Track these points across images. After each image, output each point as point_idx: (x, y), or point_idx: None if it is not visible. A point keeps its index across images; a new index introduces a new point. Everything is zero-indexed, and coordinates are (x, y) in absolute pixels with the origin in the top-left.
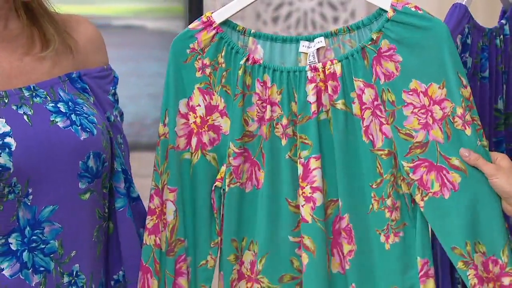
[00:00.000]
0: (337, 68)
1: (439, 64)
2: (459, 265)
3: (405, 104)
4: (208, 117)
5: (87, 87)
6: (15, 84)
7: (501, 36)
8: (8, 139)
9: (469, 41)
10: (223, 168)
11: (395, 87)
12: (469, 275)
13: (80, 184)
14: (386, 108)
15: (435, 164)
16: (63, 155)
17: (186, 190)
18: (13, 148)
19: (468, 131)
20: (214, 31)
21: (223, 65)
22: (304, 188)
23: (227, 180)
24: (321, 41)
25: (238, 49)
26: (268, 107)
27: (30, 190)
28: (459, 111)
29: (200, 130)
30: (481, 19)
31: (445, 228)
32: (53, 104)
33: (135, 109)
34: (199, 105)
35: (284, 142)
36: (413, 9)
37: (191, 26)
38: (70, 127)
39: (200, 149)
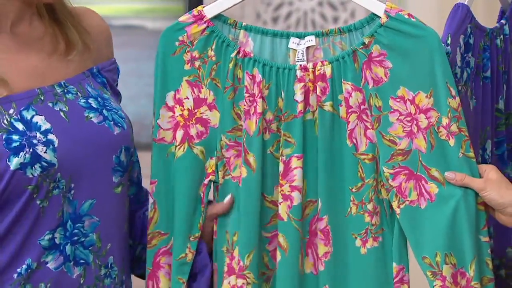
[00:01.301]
0: (327, 70)
1: (429, 73)
2: (428, 274)
3: (392, 110)
4: (196, 110)
5: (106, 81)
6: (47, 82)
7: (501, 36)
8: (51, 136)
9: (471, 41)
10: (213, 161)
11: (383, 93)
12: (435, 285)
13: (114, 178)
14: (372, 113)
15: (415, 173)
16: (100, 150)
17: (169, 183)
18: (56, 145)
19: (452, 142)
20: (204, 25)
21: (213, 58)
22: (283, 186)
23: (220, 173)
24: (311, 40)
25: (229, 42)
26: (259, 100)
27: (72, 185)
28: (445, 121)
29: (188, 123)
30: (481, 19)
31: (417, 237)
32: (85, 100)
33: (135, 109)
34: (187, 98)
35: (266, 137)
36: (406, 16)
37: (181, 19)
38: (104, 122)
39: (187, 141)
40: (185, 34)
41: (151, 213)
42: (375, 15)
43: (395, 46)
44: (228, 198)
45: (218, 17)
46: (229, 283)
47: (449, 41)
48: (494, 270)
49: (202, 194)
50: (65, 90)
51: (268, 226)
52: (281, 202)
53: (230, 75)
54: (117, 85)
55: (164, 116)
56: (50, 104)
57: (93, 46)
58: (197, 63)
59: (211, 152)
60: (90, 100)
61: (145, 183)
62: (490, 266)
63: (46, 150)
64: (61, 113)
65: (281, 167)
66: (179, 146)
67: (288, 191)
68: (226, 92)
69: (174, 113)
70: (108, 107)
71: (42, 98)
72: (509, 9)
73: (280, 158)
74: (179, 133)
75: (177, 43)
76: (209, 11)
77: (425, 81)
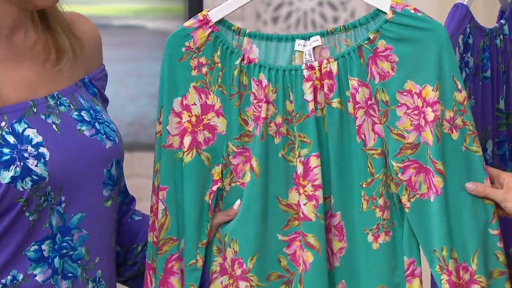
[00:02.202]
0: (333, 67)
1: (436, 66)
2: (436, 268)
3: (399, 104)
4: (203, 116)
5: (96, 91)
6: (40, 93)
7: (501, 36)
8: (42, 149)
9: (470, 41)
10: (219, 168)
11: (390, 87)
12: (442, 279)
13: (104, 192)
14: (380, 108)
15: (424, 166)
16: (91, 164)
17: (179, 189)
18: (47, 158)
19: (455, 135)
20: (209, 30)
21: (219, 65)
22: (306, 186)
23: (227, 180)
24: (317, 40)
25: (233, 49)
26: (264, 105)
27: (63, 198)
28: (449, 114)
29: (196, 129)
30: (481, 19)
31: (429, 230)
32: (77, 113)
33: (135, 109)
34: (194, 104)
35: (277, 140)
36: (412, 11)
37: (186, 24)
38: (96, 135)
39: (195, 148)
40: (192, 40)
41: (163, 219)
42: (380, 11)
43: (402, 40)
44: (238, 203)
45: (222, 22)
46: (221, 282)
47: None
48: None
49: (210, 201)
50: (58, 102)
51: (285, 230)
52: (306, 203)
53: (236, 82)
54: (104, 90)
55: (172, 122)
56: (43, 117)
57: (84, 53)
58: (204, 69)
59: (217, 159)
60: (83, 113)
61: (146, 183)
62: (501, 259)
63: (37, 163)
64: (54, 126)
65: (300, 168)
66: (187, 152)
67: (311, 191)
68: (232, 99)
69: (181, 119)
70: (100, 120)
71: (35, 110)
72: (509, 9)
73: (298, 159)
74: (187, 139)
75: (183, 49)
76: (214, 15)
77: (432, 74)
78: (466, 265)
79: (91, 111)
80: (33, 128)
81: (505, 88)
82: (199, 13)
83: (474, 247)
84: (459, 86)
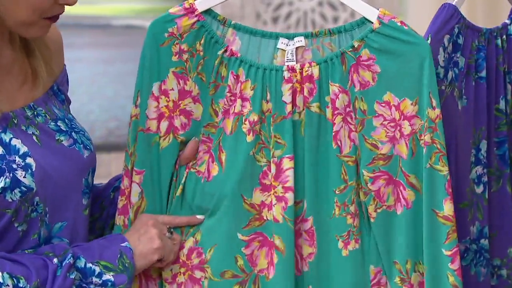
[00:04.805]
0: (315, 71)
1: (416, 80)
2: (396, 279)
3: (376, 115)
4: (180, 102)
5: (64, 97)
6: (17, 105)
7: (504, 36)
8: (29, 160)
9: (460, 41)
10: None
11: (369, 96)
12: None
13: (83, 201)
14: (357, 116)
15: (394, 178)
16: (72, 174)
17: (155, 172)
18: (33, 169)
19: (424, 151)
20: (195, 18)
21: (201, 53)
22: (276, 187)
23: (190, 164)
24: (300, 41)
25: (218, 39)
26: (238, 101)
27: (47, 209)
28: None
29: (172, 114)
30: (482, 19)
31: (391, 242)
32: (54, 123)
33: None
34: (172, 89)
35: (249, 138)
36: (398, 23)
37: (171, 10)
38: (74, 145)
39: (172, 132)
40: (175, 26)
41: (139, 202)
42: (367, 19)
43: (385, 51)
44: (193, 140)
45: (209, 12)
46: (171, 270)
47: (428, 41)
48: (496, 270)
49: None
50: (35, 113)
51: (246, 229)
52: (275, 204)
53: (214, 72)
54: (67, 92)
55: (150, 106)
56: (23, 128)
57: (50, 58)
58: (185, 56)
59: None
60: (59, 123)
61: None
62: (450, 279)
63: (25, 174)
64: (34, 137)
65: (273, 168)
66: (164, 137)
67: (281, 193)
68: (209, 88)
69: (159, 103)
70: (76, 130)
71: (16, 121)
72: None
73: (272, 160)
74: (164, 124)
75: (166, 34)
76: (200, 4)
77: (412, 88)
78: None
79: (66, 120)
80: (18, 139)
81: (510, 89)
82: (185, 1)
83: (426, 264)
84: (434, 103)
